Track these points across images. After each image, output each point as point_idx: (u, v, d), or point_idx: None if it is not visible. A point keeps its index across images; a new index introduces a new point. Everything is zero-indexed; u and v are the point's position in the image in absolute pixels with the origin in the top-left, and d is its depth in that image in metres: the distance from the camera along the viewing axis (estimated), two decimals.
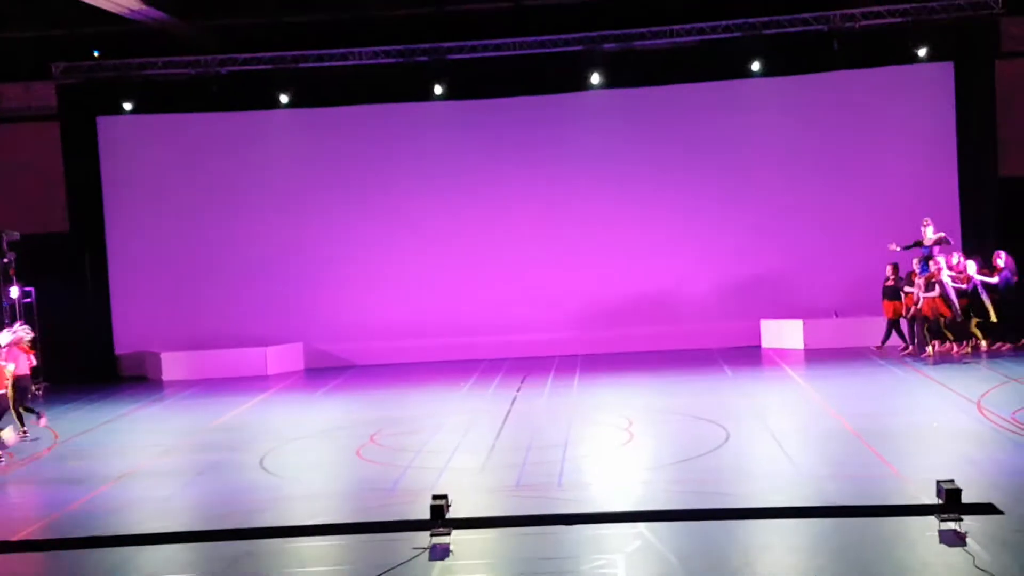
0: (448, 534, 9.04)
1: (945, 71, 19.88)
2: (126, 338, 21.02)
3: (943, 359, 17.21)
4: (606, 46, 19.74)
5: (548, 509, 10.06)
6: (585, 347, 20.50)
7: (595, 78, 20.14)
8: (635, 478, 11.20)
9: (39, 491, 12.11)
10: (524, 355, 20.35)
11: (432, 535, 9.06)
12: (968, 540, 8.35)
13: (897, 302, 18.12)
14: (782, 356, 19.00)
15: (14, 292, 18.76)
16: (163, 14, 18.76)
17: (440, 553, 8.75)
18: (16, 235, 18.87)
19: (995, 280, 17.56)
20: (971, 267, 17.60)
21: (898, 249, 18.01)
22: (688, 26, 19.33)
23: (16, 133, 20.44)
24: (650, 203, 20.59)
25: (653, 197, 20.59)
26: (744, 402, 15.07)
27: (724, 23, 19.27)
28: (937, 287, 17.24)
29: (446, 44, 19.73)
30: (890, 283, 18.28)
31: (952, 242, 18.15)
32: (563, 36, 19.68)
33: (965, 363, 16.89)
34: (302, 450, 13.82)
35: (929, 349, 17.45)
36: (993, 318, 17.50)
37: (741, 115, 20.52)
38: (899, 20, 19.14)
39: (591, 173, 20.69)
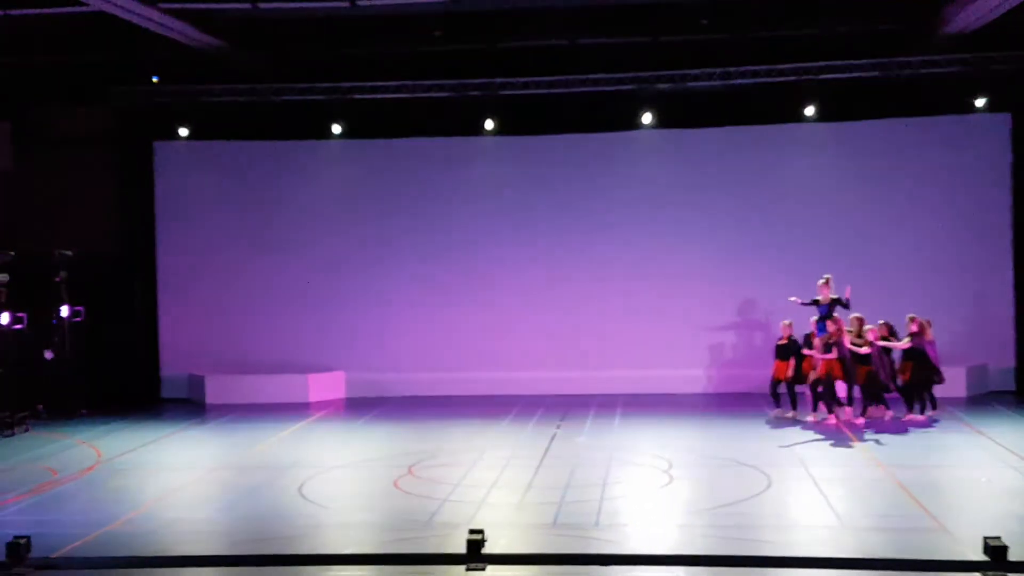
0: (483, 569, 8.96)
1: (1003, 122, 19.67)
2: (171, 360, 21.18)
3: (835, 425, 16.35)
4: (659, 86, 19.74)
5: (585, 549, 9.99)
6: (627, 387, 20.33)
7: (647, 117, 20.13)
8: (673, 521, 11.08)
9: (79, 509, 12.19)
10: (566, 392, 20.22)
11: (468, 569, 8.98)
12: None
13: (788, 363, 17.16)
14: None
15: (64, 310, 18.99)
16: (221, 41, 19.05)
17: None
18: (69, 253, 19.11)
19: (905, 344, 16.58)
20: (871, 332, 16.57)
21: (798, 302, 17.31)
22: (742, 68, 19.25)
23: (73, 155, 20.78)
24: (699, 243, 20.48)
25: (702, 237, 20.47)
26: (788, 449, 14.90)
27: (779, 66, 19.17)
28: (835, 349, 16.30)
29: (498, 80, 19.82)
30: (783, 342, 17.28)
31: (849, 306, 17.06)
32: (616, 75, 19.68)
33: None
34: (341, 479, 13.83)
35: (817, 415, 16.69)
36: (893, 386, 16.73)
37: (793, 159, 20.41)
38: (957, 69, 18.93)
39: (640, 212, 20.65)
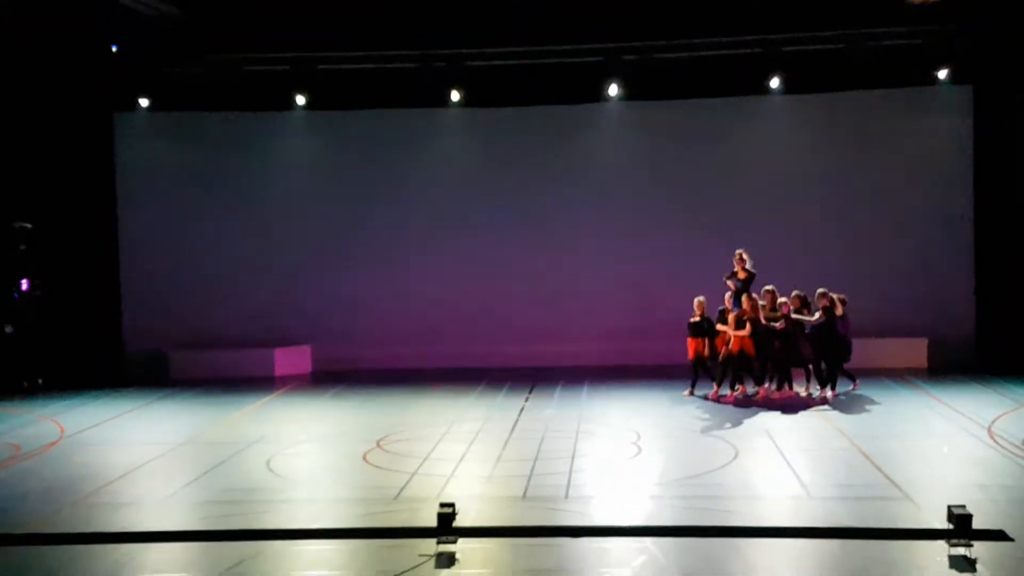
0: (454, 542, 9.02)
1: (965, 94, 19.81)
2: (135, 335, 20.98)
3: (748, 402, 16.21)
4: (625, 57, 19.67)
5: (554, 521, 10.03)
6: (595, 359, 20.41)
7: (613, 89, 20.09)
8: (642, 492, 11.13)
9: (44, 485, 12.07)
10: (533, 365, 20.26)
11: (439, 543, 9.04)
12: (978, 566, 8.30)
13: (701, 340, 16.87)
14: (795, 375, 18.83)
15: (24, 284, 18.76)
16: (182, 11, 18.77)
17: (446, 561, 8.74)
18: (29, 226, 18.86)
19: (815, 318, 16.11)
20: (784, 305, 16.26)
21: (729, 291, 16.76)
22: (708, 40, 19.21)
23: (31, 126, 20.38)
24: (666, 215, 20.54)
25: (668, 209, 20.53)
26: (754, 420, 15.00)
27: (745, 38, 19.15)
28: (748, 325, 16.16)
29: (464, 51, 19.67)
30: (695, 319, 16.93)
31: (755, 274, 16.75)
32: (583, 46, 19.59)
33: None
34: (309, 453, 13.78)
35: (737, 390, 16.52)
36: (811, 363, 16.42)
37: (759, 131, 20.50)
38: (920, 41, 19.02)
39: (607, 184, 20.69)
